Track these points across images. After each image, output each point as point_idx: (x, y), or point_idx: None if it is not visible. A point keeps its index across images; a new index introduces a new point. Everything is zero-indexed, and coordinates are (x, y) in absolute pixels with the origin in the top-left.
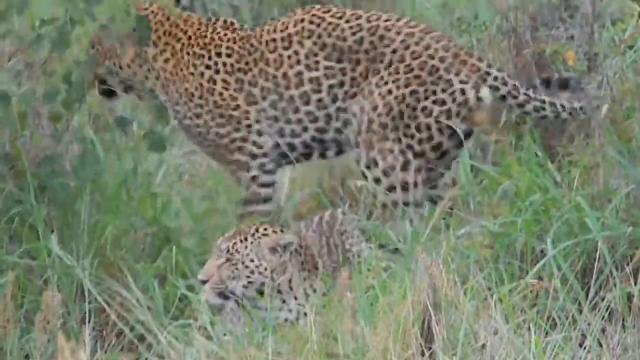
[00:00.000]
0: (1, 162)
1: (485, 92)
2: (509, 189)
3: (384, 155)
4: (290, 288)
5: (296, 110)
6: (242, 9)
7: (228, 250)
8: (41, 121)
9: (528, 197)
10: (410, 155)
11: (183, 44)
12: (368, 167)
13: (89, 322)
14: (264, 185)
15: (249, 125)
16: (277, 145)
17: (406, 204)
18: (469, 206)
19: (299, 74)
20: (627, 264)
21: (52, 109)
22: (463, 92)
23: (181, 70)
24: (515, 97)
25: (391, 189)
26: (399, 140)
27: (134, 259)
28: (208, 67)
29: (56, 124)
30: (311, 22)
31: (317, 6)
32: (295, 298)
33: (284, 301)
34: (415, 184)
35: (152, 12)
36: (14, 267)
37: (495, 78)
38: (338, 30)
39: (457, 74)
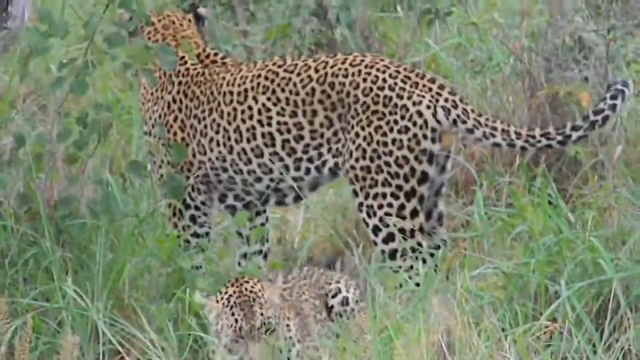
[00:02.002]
0: (17, 204)
1: None
2: (523, 230)
3: (379, 202)
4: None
5: (248, 162)
6: (256, 51)
7: (265, 324)
8: (56, 163)
9: (542, 238)
10: (402, 197)
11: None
12: (368, 216)
13: None
14: (197, 235)
15: (188, 178)
16: (224, 197)
17: (404, 251)
18: (483, 248)
19: (252, 129)
20: None
21: (68, 152)
22: (420, 114)
23: (157, 90)
24: (464, 122)
25: (388, 240)
26: (389, 183)
27: (148, 300)
28: (174, 100)
29: (71, 167)
30: (266, 78)
31: (276, 58)
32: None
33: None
34: (413, 232)
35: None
36: (28, 310)
37: (447, 100)
38: (291, 84)
39: (409, 98)
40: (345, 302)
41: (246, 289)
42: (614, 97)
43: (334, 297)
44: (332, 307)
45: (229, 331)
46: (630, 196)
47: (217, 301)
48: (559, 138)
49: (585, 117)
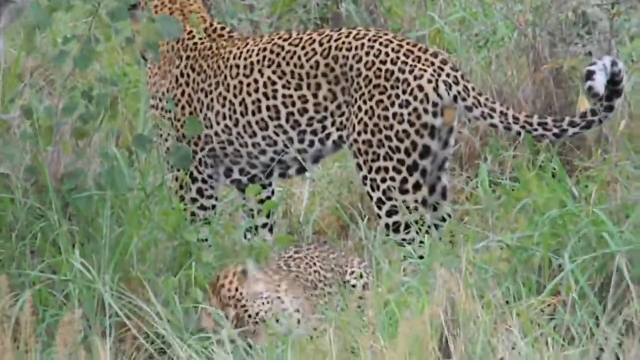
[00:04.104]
0: (24, 177)
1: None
2: (527, 204)
3: (382, 175)
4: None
5: (253, 135)
6: (262, 25)
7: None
8: (63, 137)
9: (546, 211)
10: (404, 171)
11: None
12: (372, 189)
13: (109, 335)
14: (203, 207)
15: (195, 152)
16: (229, 171)
17: (408, 224)
18: (487, 221)
19: (257, 101)
20: None
21: (75, 125)
22: (421, 87)
23: (164, 64)
24: (464, 99)
25: (391, 212)
26: (390, 156)
27: (154, 272)
28: (182, 74)
29: (79, 140)
30: (272, 52)
31: (281, 32)
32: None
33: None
34: (416, 204)
35: None
36: (35, 282)
37: (448, 75)
38: (295, 57)
39: (411, 72)
40: (365, 286)
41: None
42: (609, 98)
43: (355, 278)
44: (354, 286)
45: None
46: (634, 169)
47: None
48: (555, 130)
49: (583, 115)
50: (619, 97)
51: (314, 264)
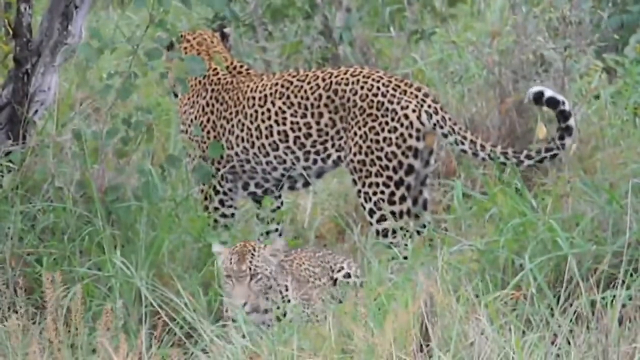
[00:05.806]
0: (74, 190)
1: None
2: (494, 213)
3: (373, 189)
4: (277, 285)
5: (266, 155)
6: (273, 64)
7: (250, 269)
8: (107, 156)
9: (509, 220)
10: (392, 185)
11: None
12: (365, 200)
13: (145, 322)
14: (224, 215)
15: (217, 169)
16: (246, 185)
17: (394, 230)
18: (461, 228)
19: (270, 127)
20: (592, 276)
21: (117, 147)
22: (406, 116)
23: (192, 95)
24: (441, 127)
25: (381, 220)
26: (380, 173)
27: (183, 269)
28: (207, 104)
29: (120, 159)
30: (282, 86)
31: (290, 70)
32: (281, 294)
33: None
34: (402, 214)
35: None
36: (83, 277)
37: (429, 106)
38: (302, 91)
39: (398, 103)
40: (347, 275)
41: (247, 244)
42: (561, 137)
43: (338, 271)
44: (337, 279)
45: (223, 271)
46: (582, 185)
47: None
48: (514, 160)
49: (538, 151)
50: (570, 135)
51: (303, 262)
